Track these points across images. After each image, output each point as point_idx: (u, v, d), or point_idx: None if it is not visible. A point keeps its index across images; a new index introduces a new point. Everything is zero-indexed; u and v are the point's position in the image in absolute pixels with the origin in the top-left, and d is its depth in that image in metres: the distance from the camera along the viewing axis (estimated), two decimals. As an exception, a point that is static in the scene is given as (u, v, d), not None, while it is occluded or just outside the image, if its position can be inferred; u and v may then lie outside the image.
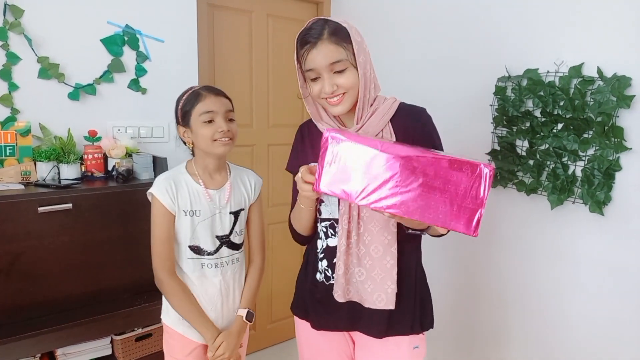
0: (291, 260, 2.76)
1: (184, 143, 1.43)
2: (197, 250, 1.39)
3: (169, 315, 1.43)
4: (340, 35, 1.13)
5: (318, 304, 1.29)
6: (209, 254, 1.40)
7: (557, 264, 1.82)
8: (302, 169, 1.10)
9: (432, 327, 1.30)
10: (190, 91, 1.37)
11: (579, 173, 1.72)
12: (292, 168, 1.36)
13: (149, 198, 1.38)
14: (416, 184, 0.95)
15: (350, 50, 1.13)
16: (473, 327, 2.14)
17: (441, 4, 2.15)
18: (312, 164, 1.11)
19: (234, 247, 1.45)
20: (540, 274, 1.88)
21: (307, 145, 1.32)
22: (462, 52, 2.07)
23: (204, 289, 1.40)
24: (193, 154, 1.44)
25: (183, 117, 1.36)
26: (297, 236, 1.35)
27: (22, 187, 1.63)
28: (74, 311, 1.59)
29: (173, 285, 1.36)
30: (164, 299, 1.43)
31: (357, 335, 1.29)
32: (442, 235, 1.20)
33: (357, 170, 0.99)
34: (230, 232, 1.43)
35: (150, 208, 1.38)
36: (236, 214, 1.44)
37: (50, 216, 1.54)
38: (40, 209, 1.52)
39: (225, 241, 1.42)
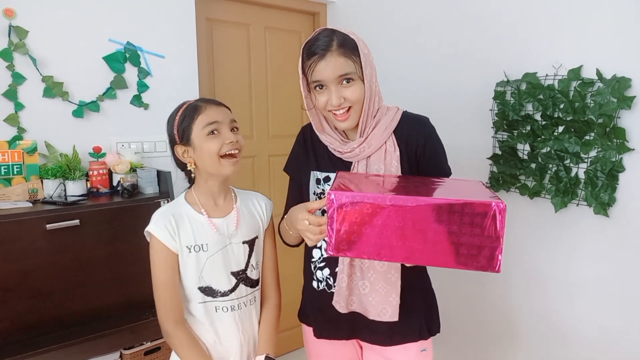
0: (295, 270, 2.74)
1: (181, 169, 1.27)
2: (208, 291, 1.21)
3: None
4: (349, 47, 1.12)
5: (319, 313, 1.30)
6: (223, 294, 1.21)
7: (562, 266, 1.82)
8: (309, 217, 1.06)
9: (439, 332, 1.30)
10: (185, 106, 1.21)
11: (582, 175, 1.73)
12: (289, 170, 1.36)
13: (147, 238, 1.21)
14: (431, 233, 0.93)
15: (358, 62, 1.12)
16: (479, 331, 2.13)
17: (437, 12, 2.17)
18: (316, 216, 1.08)
19: (252, 283, 1.27)
20: (545, 276, 1.87)
21: (308, 150, 1.31)
22: (460, 58, 2.09)
23: (220, 338, 1.22)
24: (190, 182, 1.27)
25: (182, 134, 1.18)
26: (285, 243, 1.36)
27: (30, 204, 1.64)
28: (83, 327, 1.60)
29: (182, 338, 1.17)
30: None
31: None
32: None
33: (367, 227, 0.96)
34: (247, 266, 1.25)
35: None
36: (251, 244, 1.27)
37: (58, 233, 1.56)
38: (49, 226, 1.54)
39: (241, 277, 1.24)
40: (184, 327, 1.19)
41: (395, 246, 0.96)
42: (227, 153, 1.17)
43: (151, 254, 1.19)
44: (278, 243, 1.40)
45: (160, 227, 1.17)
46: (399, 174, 1.18)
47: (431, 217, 0.93)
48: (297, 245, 1.35)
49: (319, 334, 1.31)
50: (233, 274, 1.24)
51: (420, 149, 1.20)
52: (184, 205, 1.23)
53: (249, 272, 1.26)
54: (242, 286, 1.25)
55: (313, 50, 1.13)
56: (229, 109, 1.24)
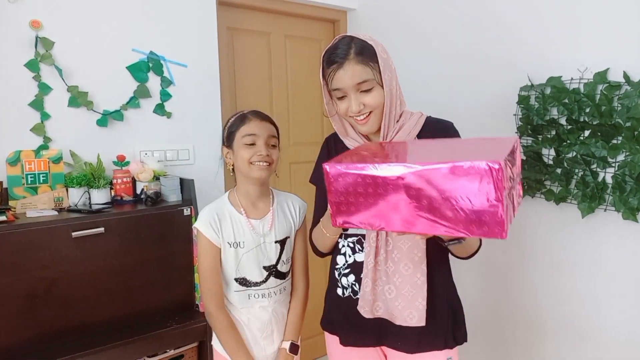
0: (317, 277, 2.74)
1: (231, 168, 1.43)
2: (243, 282, 1.39)
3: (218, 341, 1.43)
4: (367, 54, 1.13)
5: (345, 320, 1.28)
6: (255, 284, 1.39)
7: (591, 273, 1.78)
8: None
9: (465, 341, 1.27)
10: (238, 114, 1.40)
11: (609, 180, 1.69)
12: (316, 180, 1.36)
13: (194, 232, 1.39)
14: (425, 200, 0.89)
15: (376, 68, 1.13)
16: (506, 341, 2.09)
17: (458, 17, 2.16)
18: None
19: (281, 276, 1.43)
20: (573, 284, 1.83)
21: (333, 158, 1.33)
22: (483, 63, 2.07)
23: (254, 318, 1.40)
24: (233, 182, 1.44)
25: (228, 137, 1.38)
26: (318, 252, 1.35)
27: (56, 213, 1.66)
28: (109, 334, 1.61)
29: (221, 320, 1.36)
30: None
31: (388, 349, 1.28)
32: (471, 255, 1.21)
33: (362, 197, 0.96)
34: (277, 262, 1.41)
35: (179, 229, 1.43)
36: (282, 243, 1.42)
37: (83, 241, 1.57)
38: (74, 234, 1.55)
39: (272, 271, 1.41)
40: (224, 311, 1.38)
41: (395, 215, 0.93)
42: (256, 162, 1.33)
43: (198, 246, 1.38)
44: (310, 252, 1.44)
45: (205, 224, 1.35)
46: None
47: (423, 183, 0.88)
48: (328, 254, 1.34)
49: (345, 342, 1.29)
50: (265, 268, 1.39)
51: None
52: (227, 204, 1.40)
53: (279, 267, 1.42)
54: (272, 278, 1.41)
55: (332, 59, 1.14)
56: (275, 126, 1.40)
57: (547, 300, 1.92)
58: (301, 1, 2.50)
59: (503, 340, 2.10)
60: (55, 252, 1.53)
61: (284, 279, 1.44)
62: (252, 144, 1.33)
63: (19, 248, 1.47)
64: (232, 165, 1.38)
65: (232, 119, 1.39)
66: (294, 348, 1.43)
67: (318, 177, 1.36)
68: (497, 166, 0.82)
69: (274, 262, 1.40)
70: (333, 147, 1.34)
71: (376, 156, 1.00)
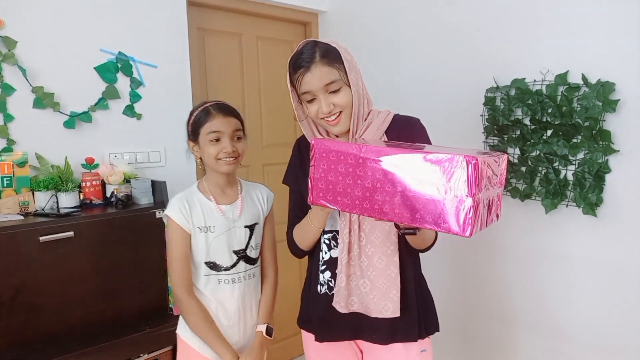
0: (291, 279, 2.75)
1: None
2: (213, 266, 1.41)
3: (186, 328, 1.43)
4: (331, 56, 1.16)
5: (321, 316, 1.30)
6: (225, 269, 1.41)
7: (554, 266, 1.86)
8: None
9: (437, 330, 1.32)
10: (202, 107, 1.40)
11: (570, 177, 1.78)
12: (289, 181, 1.39)
13: (165, 220, 1.41)
14: (400, 186, 0.91)
15: (342, 69, 1.17)
16: (477, 332, 2.16)
17: (427, 20, 2.22)
18: None
19: (251, 261, 1.46)
20: (540, 276, 1.91)
21: (305, 159, 1.34)
22: (450, 65, 2.13)
23: (222, 306, 1.41)
24: (202, 171, 1.48)
25: (192, 132, 1.40)
26: (297, 251, 1.37)
27: (22, 217, 1.61)
28: (81, 341, 1.57)
29: (192, 304, 1.38)
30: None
31: (363, 343, 1.30)
32: (427, 247, 1.25)
33: (343, 177, 0.99)
34: (247, 247, 1.45)
35: (152, 232, 1.43)
36: (251, 228, 1.46)
37: (51, 246, 1.53)
38: (42, 239, 1.51)
39: (242, 256, 1.44)
40: (194, 297, 1.40)
41: (369, 198, 0.95)
42: (223, 158, 1.37)
43: (168, 234, 1.40)
44: (284, 253, 1.44)
45: (176, 210, 1.38)
46: None
47: (401, 169, 0.90)
48: (307, 253, 1.36)
49: (321, 338, 1.31)
50: (235, 252, 1.43)
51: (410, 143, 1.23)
52: (197, 192, 1.43)
53: (248, 252, 1.46)
54: (242, 263, 1.44)
55: (299, 64, 1.17)
56: (239, 118, 1.42)
57: (516, 293, 2.00)
58: (272, 3, 2.51)
59: (474, 332, 2.17)
60: (21, 258, 1.48)
61: (253, 265, 1.47)
62: (217, 140, 1.35)
63: (-18, 254, 1.42)
64: (200, 158, 1.41)
65: (196, 113, 1.39)
66: (269, 331, 1.47)
67: (290, 179, 1.39)
68: (474, 161, 0.83)
69: (243, 247, 1.44)
70: (304, 147, 1.36)
71: (363, 145, 1.02)
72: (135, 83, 2.03)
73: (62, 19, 1.85)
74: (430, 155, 0.88)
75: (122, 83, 2.00)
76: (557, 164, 1.80)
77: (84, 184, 1.81)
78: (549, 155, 1.81)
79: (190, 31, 2.22)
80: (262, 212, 1.52)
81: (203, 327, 1.37)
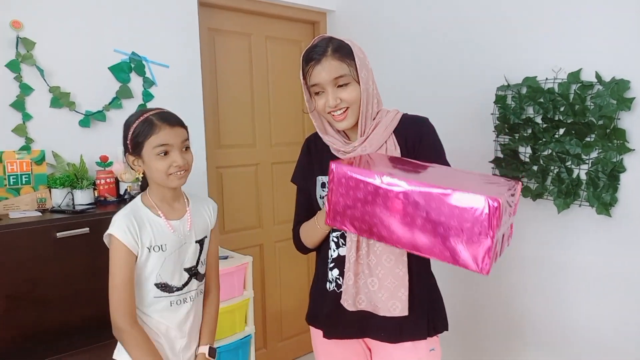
0: (298, 277, 2.77)
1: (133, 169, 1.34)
2: (164, 287, 1.28)
3: (126, 357, 1.26)
4: (343, 52, 1.18)
5: (329, 313, 1.31)
6: (177, 289, 1.30)
7: (565, 266, 1.84)
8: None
9: (446, 330, 1.31)
10: (142, 118, 1.24)
11: (583, 176, 1.76)
12: (297, 180, 1.40)
13: (106, 241, 1.25)
14: (420, 220, 0.91)
15: (353, 66, 1.18)
16: (486, 332, 2.14)
17: (436, 19, 2.21)
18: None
19: (201, 277, 1.38)
20: (548, 276, 1.89)
21: (313, 159, 1.36)
22: (461, 64, 2.12)
23: (175, 327, 1.30)
24: (144, 184, 1.34)
25: (134, 147, 1.24)
26: (302, 248, 1.39)
27: (39, 213, 1.65)
28: (93, 334, 1.60)
29: (135, 335, 1.22)
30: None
31: (372, 340, 1.30)
32: None
33: (361, 203, 0.99)
34: (197, 263, 1.35)
35: None
36: (201, 242, 1.37)
37: (67, 241, 1.57)
38: (59, 234, 1.55)
39: (193, 273, 1.34)
40: (138, 326, 1.25)
41: (386, 227, 0.95)
42: (174, 172, 1.24)
43: (112, 255, 1.23)
44: (292, 251, 1.45)
45: (123, 230, 1.22)
46: None
47: (422, 205, 0.90)
48: (312, 250, 1.37)
49: (329, 335, 1.32)
50: (186, 270, 1.32)
51: (417, 146, 1.24)
52: (142, 208, 1.29)
53: (199, 268, 1.36)
54: (193, 280, 1.34)
55: (311, 56, 1.20)
56: (185, 127, 1.29)
57: (525, 294, 1.98)
58: (281, 2, 2.53)
59: (484, 333, 2.16)
60: (38, 253, 1.52)
61: (202, 280, 1.39)
62: (166, 154, 1.22)
63: (2, 249, 1.46)
64: (142, 172, 1.28)
65: (137, 125, 1.23)
66: (212, 352, 1.37)
67: (298, 178, 1.40)
68: (495, 204, 0.84)
69: (194, 263, 1.34)
70: (313, 146, 1.37)
71: (383, 167, 1.02)
72: (148, 83, 2.07)
73: (77, 20, 1.89)
74: (453, 195, 0.88)
75: (135, 83, 2.04)
76: (569, 163, 1.78)
77: (98, 182, 1.84)
78: (561, 154, 1.80)
79: (201, 31, 2.25)
80: (210, 224, 1.41)
81: None
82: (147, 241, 1.25)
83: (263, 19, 2.54)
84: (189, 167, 1.28)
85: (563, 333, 1.87)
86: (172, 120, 1.25)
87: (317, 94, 1.22)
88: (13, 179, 1.73)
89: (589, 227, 1.76)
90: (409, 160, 1.18)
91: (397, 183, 0.93)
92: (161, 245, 1.26)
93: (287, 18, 2.62)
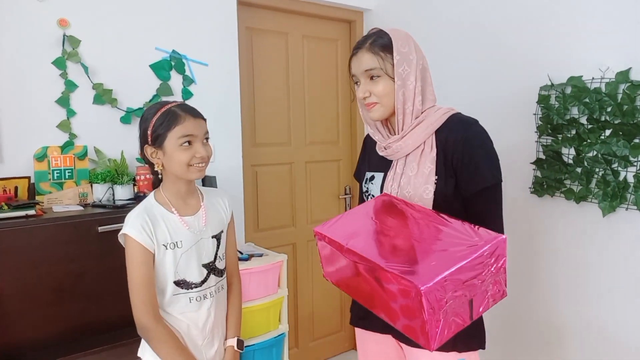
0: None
1: (148, 165, 1.31)
2: (183, 284, 1.28)
3: (152, 355, 1.27)
4: (379, 44, 1.18)
5: (359, 305, 1.30)
6: (196, 285, 1.30)
7: (611, 272, 1.78)
8: None
9: (482, 348, 1.22)
10: (163, 110, 1.23)
11: (630, 179, 1.69)
12: (356, 175, 1.45)
13: (121, 240, 1.26)
14: (375, 287, 0.96)
15: (388, 60, 1.16)
16: (526, 340, 2.09)
17: (478, 16, 2.17)
18: None
19: (219, 273, 1.37)
20: (594, 282, 1.83)
21: (366, 154, 1.40)
22: (503, 62, 2.08)
23: (195, 325, 1.30)
24: (157, 181, 1.32)
25: (155, 138, 1.22)
26: None
27: (81, 208, 1.69)
28: (133, 328, 1.62)
29: (161, 331, 1.22)
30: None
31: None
32: None
33: (339, 261, 1.07)
34: (215, 258, 1.35)
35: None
36: (218, 237, 1.36)
37: (109, 236, 1.59)
38: (100, 229, 1.57)
39: (211, 268, 1.34)
40: (163, 322, 1.25)
41: (357, 287, 1.03)
42: (195, 164, 1.24)
43: (128, 255, 1.23)
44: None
45: (137, 229, 1.21)
46: (433, 175, 1.16)
47: (372, 274, 0.95)
48: None
49: (355, 323, 1.36)
50: (204, 266, 1.32)
51: (458, 154, 1.14)
52: (156, 205, 1.28)
53: (217, 263, 1.35)
54: (212, 276, 1.34)
55: (355, 47, 1.23)
56: (205, 120, 1.29)
57: (568, 301, 1.92)
58: (318, 1, 2.53)
59: (523, 341, 2.10)
60: (81, 247, 1.55)
61: (222, 276, 1.38)
62: (189, 145, 1.22)
63: (47, 242, 1.49)
64: (161, 165, 1.26)
65: (159, 116, 1.22)
66: (240, 344, 1.39)
67: (356, 172, 1.46)
68: (424, 288, 0.83)
69: (212, 259, 1.34)
70: (369, 142, 1.40)
71: (360, 233, 1.07)
72: (188, 80, 2.09)
73: (120, 19, 1.93)
74: (393, 272, 0.89)
75: (175, 80, 2.07)
76: (616, 165, 1.72)
77: (138, 177, 1.87)
78: (607, 156, 1.74)
79: (240, 30, 2.27)
80: (225, 219, 1.41)
81: (176, 357, 1.22)
82: (162, 239, 1.24)
83: (300, 18, 2.54)
84: (209, 160, 1.28)
85: (607, 340, 1.81)
86: (194, 111, 1.26)
87: (356, 83, 1.24)
88: (57, 173, 1.78)
89: (637, 231, 1.70)
90: (414, 205, 1.12)
91: (354, 254, 1.00)
92: (177, 242, 1.26)
93: (324, 17, 2.62)
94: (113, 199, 1.82)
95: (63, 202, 1.75)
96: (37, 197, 1.72)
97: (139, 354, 1.32)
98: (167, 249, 1.25)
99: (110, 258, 1.59)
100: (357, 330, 1.39)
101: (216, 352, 1.35)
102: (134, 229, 1.21)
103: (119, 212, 1.64)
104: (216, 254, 1.35)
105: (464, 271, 0.88)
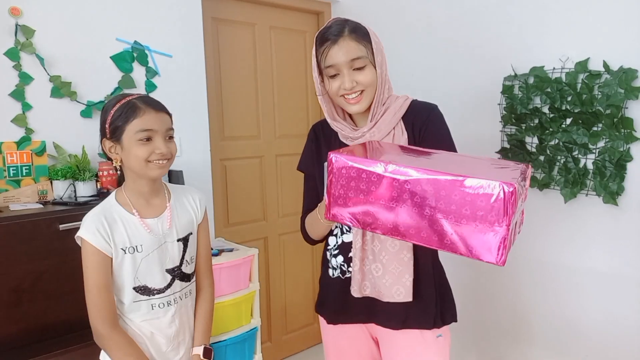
0: (303, 271, 2.75)
1: (108, 160, 1.23)
2: (143, 290, 1.20)
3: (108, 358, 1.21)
4: (360, 33, 1.16)
5: (334, 299, 1.30)
6: (159, 292, 1.22)
7: (574, 256, 1.84)
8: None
9: (455, 321, 1.28)
10: (123, 101, 1.15)
11: (590, 166, 1.76)
12: (303, 167, 1.37)
13: (78, 242, 1.17)
14: (428, 210, 0.85)
15: (369, 48, 1.16)
16: (492, 323, 2.14)
17: (443, 9, 2.20)
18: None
19: (186, 278, 1.28)
20: (557, 267, 1.90)
21: (321, 145, 1.33)
22: (467, 54, 2.11)
23: (159, 331, 1.23)
24: (122, 178, 1.24)
25: (113, 131, 1.14)
26: (309, 239, 1.36)
27: (41, 206, 1.62)
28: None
29: (117, 339, 1.15)
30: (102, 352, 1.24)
31: (377, 330, 1.29)
32: None
33: (362, 194, 0.92)
34: (181, 263, 1.26)
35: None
36: (185, 241, 1.27)
37: (70, 234, 1.53)
38: (62, 227, 1.52)
39: (176, 274, 1.25)
40: (120, 329, 1.18)
41: (392, 220, 0.89)
42: (155, 160, 1.16)
43: (83, 259, 1.16)
44: (297, 244, 1.41)
45: (92, 232, 1.14)
46: None
47: (430, 193, 0.84)
48: (320, 241, 1.35)
49: (332, 321, 1.32)
50: (168, 271, 1.23)
51: (423, 132, 1.21)
52: (115, 206, 1.20)
53: (183, 268, 1.27)
54: (177, 282, 1.25)
55: (326, 37, 1.16)
56: (170, 115, 1.20)
57: (532, 285, 1.98)
58: (285, -8, 2.50)
59: (489, 324, 2.16)
60: (42, 245, 1.49)
61: (189, 281, 1.29)
62: (148, 140, 1.13)
63: (4, 241, 1.43)
64: (120, 161, 1.17)
65: (117, 108, 1.14)
66: (207, 352, 1.30)
67: (305, 165, 1.37)
68: (511, 189, 0.78)
69: (177, 264, 1.25)
70: (321, 133, 1.34)
71: (386, 155, 0.95)
72: (151, 72, 2.03)
73: (78, 7, 1.85)
74: (464, 182, 0.82)
75: (138, 72, 2.00)
76: (576, 152, 1.78)
77: (100, 173, 1.81)
78: (568, 144, 1.79)
79: (205, 21, 2.22)
80: (195, 219, 1.31)
81: None
82: (120, 242, 1.16)
83: (267, 9, 2.51)
84: (172, 158, 1.19)
85: (570, 323, 1.88)
86: (156, 105, 1.17)
87: (332, 76, 1.18)
88: (13, 170, 1.70)
89: (596, 216, 1.76)
90: (415, 148, 1.14)
91: (402, 171, 0.87)
92: (136, 247, 1.18)
93: (292, 8, 2.59)
94: (75, 195, 1.76)
95: (21, 200, 1.68)
96: (-9, 195, 1.64)
97: (100, 358, 1.26)
98: (125, 253, 1.17)
99: (72, 256, 1.52)
100: (329, 327, 1.35)
101: (180, 359, 1.27)
102: (89, 232, 1.14)
103: (81, 209, 1.58)
104: (183, 258, 1.26)
105: (519, 183, 0.84)
